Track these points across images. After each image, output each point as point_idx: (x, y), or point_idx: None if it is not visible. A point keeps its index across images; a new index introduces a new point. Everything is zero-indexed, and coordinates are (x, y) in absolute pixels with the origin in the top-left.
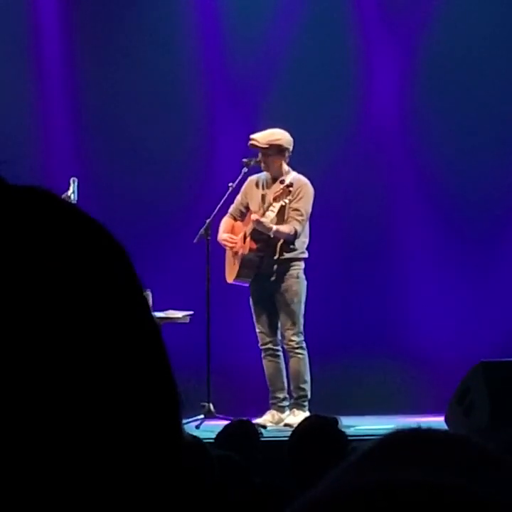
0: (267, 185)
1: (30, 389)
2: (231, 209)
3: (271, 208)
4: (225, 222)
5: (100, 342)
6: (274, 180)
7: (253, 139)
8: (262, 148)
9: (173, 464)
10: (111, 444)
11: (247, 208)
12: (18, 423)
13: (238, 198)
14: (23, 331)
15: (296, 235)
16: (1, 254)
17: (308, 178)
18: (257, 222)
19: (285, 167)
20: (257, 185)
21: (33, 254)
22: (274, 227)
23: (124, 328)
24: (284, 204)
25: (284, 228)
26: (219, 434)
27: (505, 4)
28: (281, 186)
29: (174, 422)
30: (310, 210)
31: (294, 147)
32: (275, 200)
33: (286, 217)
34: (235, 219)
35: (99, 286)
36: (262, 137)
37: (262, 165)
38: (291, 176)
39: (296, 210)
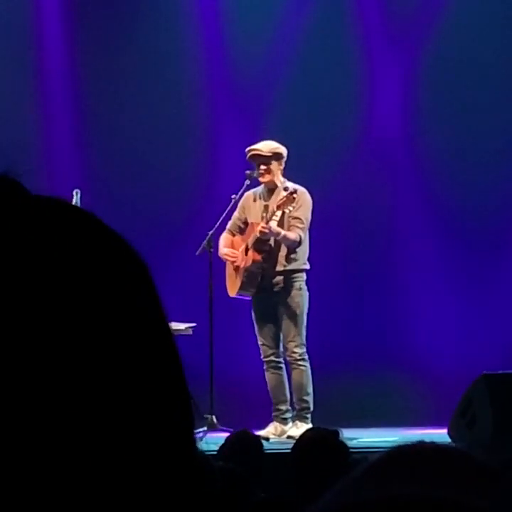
0: (265, 197)
1: (43, 402)
2: (229, 225)
3: (274, 217)
4: (224, 238)
5: (116, 351)
6: (271, 191)
7: (255, 149)
8: (265, 156)
9: (189, 476)
10: (124, 455)
11: (245, 223)
12: (28, 430)
13: (235, 213)
14: (39, 340)
15: (300, 243)
16: (27, 261)
17: (309, 189)
18: (264, 230)
19: (281, 178)
20: (254, 199)
21: (54, 262)
22: (283, 232)
23: (140, 337)
24: (288, 212)
25: (290, 234)
26: (221, 446)
27: (508, 13)
28: (285, 193)
29: (188, 433)
30: (310, 217)
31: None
32: (279, 207)
33: (286, 226)
34: (234, 235)
35: (117, 296)
36: (264, 146)
37: (262, 177)
38: (289, 185)
39: (297, 218)
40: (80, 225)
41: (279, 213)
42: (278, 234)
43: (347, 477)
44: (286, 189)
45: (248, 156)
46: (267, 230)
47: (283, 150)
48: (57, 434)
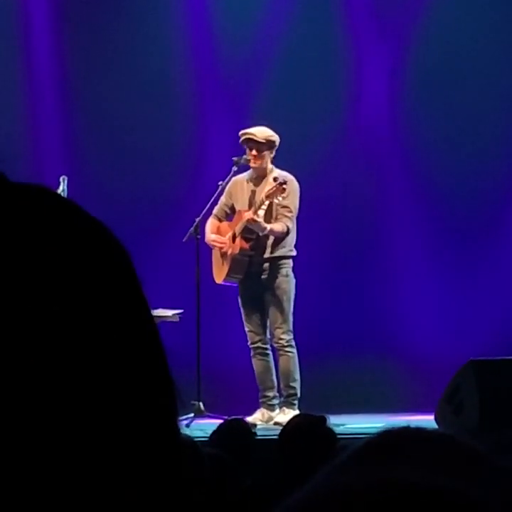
0: (254, 183)
1: (27, 388)
2: (215, 210)
3: (262, 206)
4: (211, 223)
5: (99, 339)
6: (260, 177)
7: (249, 134)
8: (258, 142)
9: (172, 462)
10: (109, 442)
11: (232, 209)
12: (14, 422)
13: (222, 199)
14: (22, 328)
15: (288, 232)
16: (4, 250)
17: (297, 176)
18: (252, 221)
19: (270, 165)
20: (242, 185)
21: (35, 250)
22: (268, 227)
23: (123, 325)
24: (277, 202)
25: (277, 227)
26: (213, 433)
27: (495, 5)
28: (275, 183)
29: (172, 420)
30: (297, 205)
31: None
32: (268, 197)
33: (274, 214)
34: (220, 220)
35: (99, 284)
36: (259, 132)
37: (252, 162)
38: (277, 173)
39: (285, 207)
40: (58, 213)
41: (267, 203)
42: (264, 229)
43: (332, 462)
44: (275, 179)
45: (241, 139)
46: (254, 222)
47: (276, 139)
48: (37, 419)
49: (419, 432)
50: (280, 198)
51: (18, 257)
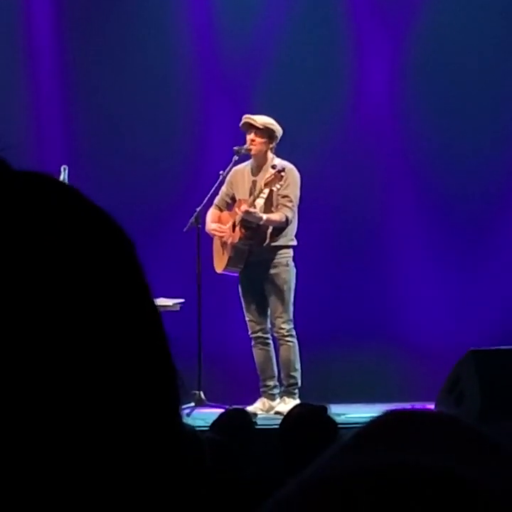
0: (254, 172)
1: (28, 377)
2: (216, 200)
3: (261, 194)
4: (212, 213)
5: (102, 327)
6: (260, 167)
7: (249, 118)
8: (256, 127)
9: (174, 451)
10: (111, 431)
11: (233, 199)
12: (15, 409)
13: (223, 188)
14: (23, 314)
15: (287, 222)
16: (6, 237)
17: (298, 166)
18: (247, 212)
19: (270, 155)
20: (243, 174)
21: (37, 237)
22: (265, 217)
23: (126, 312)
24: (275, 189)
25: (275, 216)
26: (213, 423)
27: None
28: (273, 171)
29: (174, 408)
30: (298, 194)
31: (284, 138)
32: (266, 185)
33: (275, 204)
34: (221, 210)
35: (102, 271)
36: (258, 118)
37: (250, 146)
38: (277, 162)
39: (286, 196)
40: (64, 201)
41: (266, 191)
42: (260, 219)
43: (335, 445)
44: (274, 167)
45: (241, 123)
46: (248, 214)
47: (276, 129)
48: (38, 407)
49: (420, 414)
50: (278, 186)
51: (20, 244)
